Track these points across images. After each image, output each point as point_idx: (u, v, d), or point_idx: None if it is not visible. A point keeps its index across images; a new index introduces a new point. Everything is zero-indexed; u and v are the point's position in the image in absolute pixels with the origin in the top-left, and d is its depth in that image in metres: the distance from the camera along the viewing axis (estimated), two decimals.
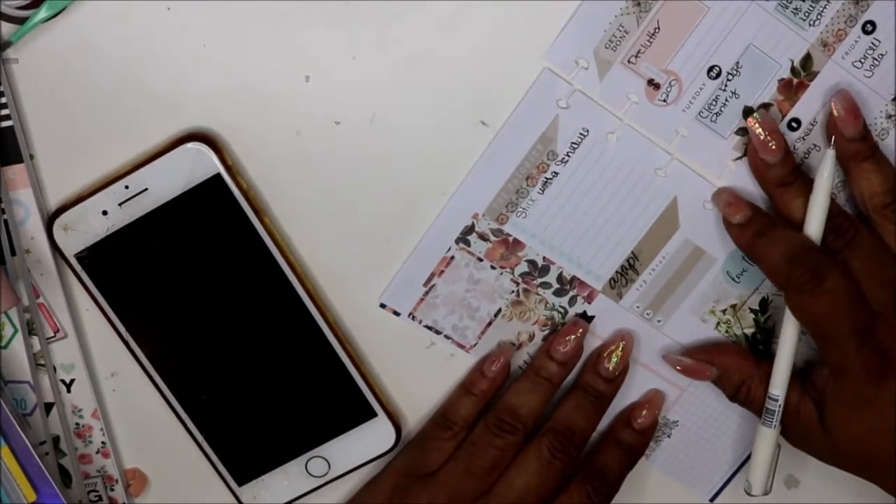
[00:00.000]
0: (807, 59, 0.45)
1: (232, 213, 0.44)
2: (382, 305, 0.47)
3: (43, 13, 0.41)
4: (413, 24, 0.43)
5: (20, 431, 0.44)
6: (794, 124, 0.46)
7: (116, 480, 0.49)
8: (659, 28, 0.44)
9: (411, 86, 0.44)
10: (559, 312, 0.48)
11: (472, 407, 0.48)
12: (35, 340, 0.45)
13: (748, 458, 0.51)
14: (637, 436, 0.49)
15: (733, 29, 0.44)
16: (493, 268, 0.47)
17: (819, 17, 0.44)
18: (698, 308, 0.49)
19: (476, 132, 0.45)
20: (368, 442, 0.48)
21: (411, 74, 0.44)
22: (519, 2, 0.43)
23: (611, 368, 0.48)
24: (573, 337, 0.47)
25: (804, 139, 0.46)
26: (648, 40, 0.44)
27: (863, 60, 0.45)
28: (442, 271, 0.47)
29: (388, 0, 0.43)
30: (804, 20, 0.44)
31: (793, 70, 0.45)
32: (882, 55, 0.45)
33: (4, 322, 0.45)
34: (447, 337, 0.48)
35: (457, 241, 0.46)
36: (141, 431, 0.49)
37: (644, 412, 0.49)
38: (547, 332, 0.49)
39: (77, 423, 0.47)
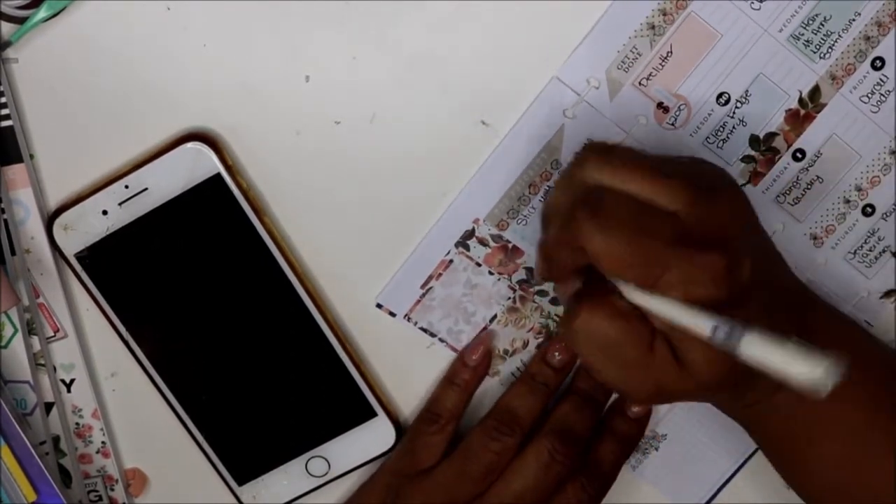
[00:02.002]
0: (815, 92, 0.45)
1: (232, 212, 0.44)
2: (379, 306, 0.47)
3: (43, 13, 0.41)
4: (413, 24, 0.43)
5: (20, 431, 0.44)
6: (798, 155, 0.46)
7: (116, 480, 0.49)
8: (672, 52, 0.44)
9: (411, 86, 0.44)
10: (554, 321, 0.48)
11: (456, 398, 0.48)
12: (35, 340, 0.45)
13: (735, 473, 0.51)
14: (632, 425, 0.49)
15: (744, 57, 0.44)
16: (490, 273, 0.47)
17: (830, 50, 0.44)
18: None
19: (476, 132, 0.45)
20: (368, 441, 0.48)
21: (411, 74, 0.44)
22: (520, 2, 0.43)
23: None
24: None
25: (808, 170, 0.46)
26: (661, 63, 0.44)
27: (870, 95, 0.45)
28: (440, 274, 0.47)
29: (388, 0, 0.43)
30: (815, 53, 0.44)
31: (801, 101, 0.45)
32: (889, 91, 0.45)
33: (4, 322, 0.45)
34: (441, 340, 0.48)
35: (456, 245, 0.46)
36: (141, 431, 0.49)
37: None
38: (541, 339, 0.48)
39: (77, 423, 0.47)
